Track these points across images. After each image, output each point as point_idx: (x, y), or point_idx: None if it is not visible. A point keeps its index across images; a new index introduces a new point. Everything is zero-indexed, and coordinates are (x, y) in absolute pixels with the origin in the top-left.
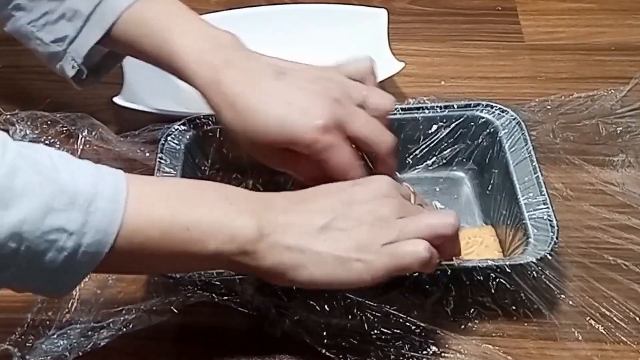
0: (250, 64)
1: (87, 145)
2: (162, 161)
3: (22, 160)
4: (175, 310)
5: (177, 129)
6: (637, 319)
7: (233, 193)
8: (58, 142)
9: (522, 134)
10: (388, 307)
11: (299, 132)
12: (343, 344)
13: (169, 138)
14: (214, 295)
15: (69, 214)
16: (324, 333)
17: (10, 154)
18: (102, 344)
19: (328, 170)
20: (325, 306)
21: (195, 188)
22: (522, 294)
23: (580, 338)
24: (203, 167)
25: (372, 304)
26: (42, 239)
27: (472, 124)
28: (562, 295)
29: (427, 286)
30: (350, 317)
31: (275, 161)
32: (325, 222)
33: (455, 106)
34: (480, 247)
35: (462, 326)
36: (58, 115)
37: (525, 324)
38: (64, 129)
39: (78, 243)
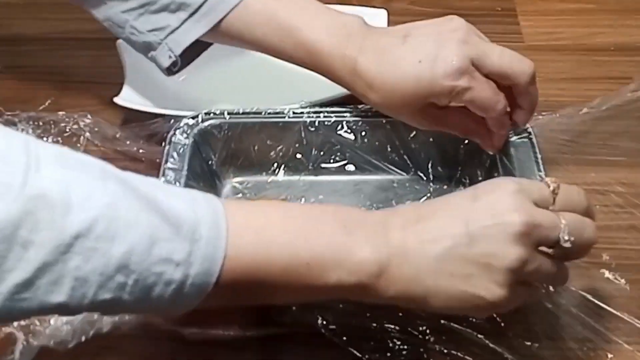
0: (379, 42)
1: (90, 145)
2: (169, 154)
3: (123, 187)
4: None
5: (185, 122)
6: (638, 319)
7: (350, 219)
8: (60, 142)
9: (524, 135)
10: None
11: (436, 83)
12: (350, 326)
13: (177, 132)
14: None
15: (174, 244)
16: (333, 317)
17: (111, 183)
18: (104, 329)
19: (475, 111)
20: None
21: (308, 216)
22: None
23: (579, 338)
24: (210, 162)
25: None
26: (150, 272)
27: None
28: (562, 295)
29: None
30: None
31: (429, 123)
32: (441, 251)
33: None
34: None
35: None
36: (59, 115)
37: (525, 323)
38: (66, 128)
39: (185, 274)
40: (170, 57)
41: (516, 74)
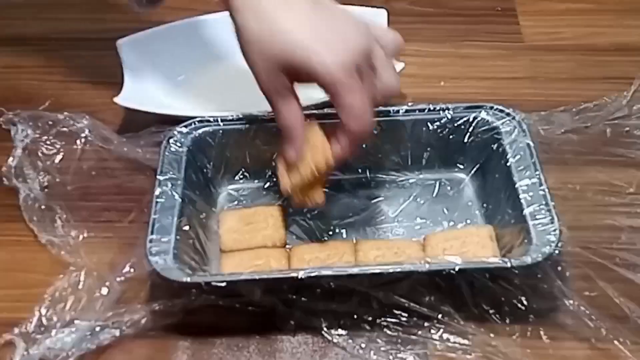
0: None
1: (89, 145)
2: (164, 164)
3: None
4: (179, 314)
5: (179, 131)
6: (638, 319)
7: None
8: (59, 142)
9: (524, 135)
10: (397, 296)
11: (328, 63)
12: (353, 329)
13: (170, 141)
14: (217, 298)
15: None
16: (337, 320)
17: None
18: (105, 343)
19: (337, 112)
20: (335, 297)
21: None
22: (523, 294)
23: (579, 337)
24: (205, 170)
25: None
26: None
27: (474, 125)
28: (563, 295)
29: (423, 288)
30: (358, 304)
31: (274, 87)
32: None
33: (458, 108)
34: (476, 246)
35: (465, 326)
36: (59, 115)
37: (525, 323)
38: (66, 129)
39: None
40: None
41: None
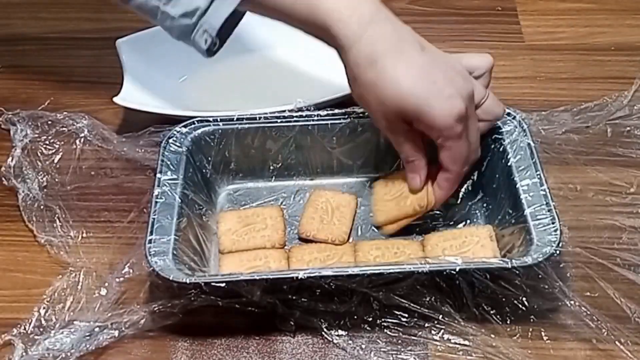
0: (396, 26)
1: (88, 145)
2: (163, 164)
3: None
4: (179, 315)
5: (179, 131)
6: (638, 319)
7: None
8: (59, 142)
9: (524, 134)
10: (397, 296)
11: (439, 114)
12: (353, 329)
13: (170, 141)
14: (217, 298)
15: None
16: (337, 321)
17: None
18: (105, 344)
19: (441, 156)
20: (335, 297)
21: None
22: (524, 294)
23: (580, 338)
24: (205, 170)
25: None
26: None
27: None
28: (564, 295)
29: (423, 289)
30: (358, 304)
31: (392, 128)
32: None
33: None
34: (476, 246)
35: (466, 327)
36: (59, 115)
37: (526, 324)
38: (65, 128)
39: None
40: (206, 40)
41: (473, 155)
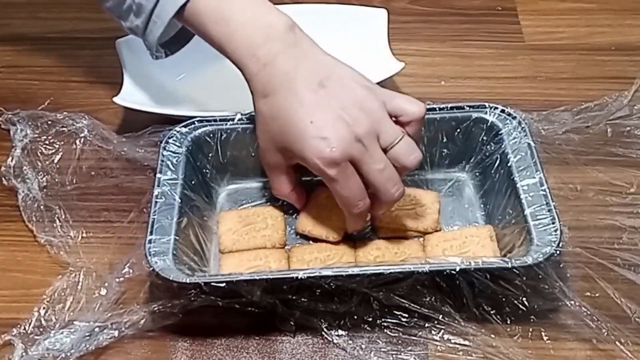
0: (297, 64)
1: (88, 145)
2: (163, 164)
3: None
4: (179, 315)
5: (178, 131)
6: (639, 319)
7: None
8: (59, 142)
9: (525, 135)
10: (397, 297)
11: (308, 156)
12: (353, 329)
13: (170, 141)
14: (217, 298)
15: None
16: (337, 321)
17: None
18: (104, 344)
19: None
20: (335, 297)
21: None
22: (524, 294)
23: (581, 338)
24: (205, 170)
25: (378, 293)
26: None
27: (475, 125)
28: (564, 296)
29: (423, 289)
30: (358, 304)
31: (276, 159)
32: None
33: (458, 108)
34: (476, 246)
35: (466, 327)
36: (59, 115)
37: (526, 324)
38: (65, 128)
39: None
40: (151, 54)
41: (382, 193)
